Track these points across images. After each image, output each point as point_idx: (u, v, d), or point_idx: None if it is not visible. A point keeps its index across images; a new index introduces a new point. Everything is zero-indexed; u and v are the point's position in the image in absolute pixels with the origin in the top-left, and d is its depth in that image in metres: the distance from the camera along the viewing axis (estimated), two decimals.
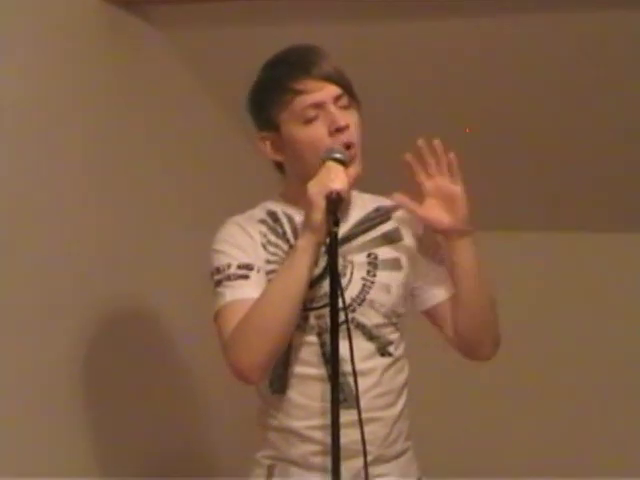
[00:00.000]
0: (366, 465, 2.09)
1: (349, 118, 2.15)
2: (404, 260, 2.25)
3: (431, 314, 2.30)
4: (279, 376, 2.19)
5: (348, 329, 2.06)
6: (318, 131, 2.13)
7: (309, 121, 2.14)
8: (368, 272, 2.20)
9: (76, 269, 2.77)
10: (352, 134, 2.14)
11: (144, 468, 3.00)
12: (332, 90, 2.14)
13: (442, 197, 2.16)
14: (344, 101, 2.16)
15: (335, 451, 2.01)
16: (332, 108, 2.13)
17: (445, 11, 2.85)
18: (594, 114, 3.16)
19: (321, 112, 2.14)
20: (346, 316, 2.05)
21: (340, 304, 2.03)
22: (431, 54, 3.04)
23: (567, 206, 3.53)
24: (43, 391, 2.66)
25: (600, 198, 3.46)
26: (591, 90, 3.08)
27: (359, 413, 2.07)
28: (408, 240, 2.27)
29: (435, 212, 2.17)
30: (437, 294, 2.28)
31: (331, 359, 2.04)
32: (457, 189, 2.16)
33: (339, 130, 2.12)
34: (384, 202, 2.30)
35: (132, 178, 3.02)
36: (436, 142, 2.14)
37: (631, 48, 2.92)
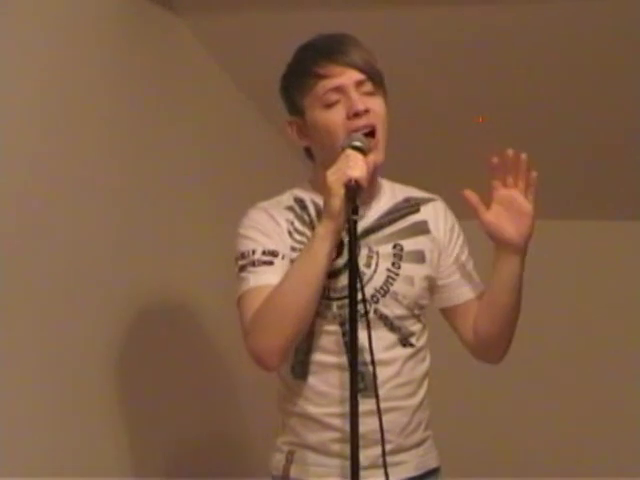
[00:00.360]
0: (384, 453, 2.10)
1: (371, 103, 2.14)
2: (428, 253, 2.24)
3: (452, 312, 2.30)
4: (301, 362, 2.20)
5: (367, 320, 2.06)
6: (337, 115, 2.14)
7: (330, 105, 2.14)
8: (393, 264, 2.20)
9: (104, 258, 2.76)
10: (372, 119, 2.13)
11: (175, 456, 3.03)
12: (354, 75, 2.14)
13: (511, 209, 2.15)
14: (368, 87, 2.15)
15: (354, 439, 2.01)
16: (352, 93, 2.13)
17: None
18: (608, 102, 3.16)
19: (343, 97, 2.14)
20: (365, 307, 2.05)
21: (359, 296, 2.03)
22: (454, 40, 3.04)
23: (580, 195, 3.53)
24: (74, 383, 2.65)
25: (612, 186, 3.46)
26: (604, 79, 3.09)
27: (377, 402, 2.08)
28: (436, 234, 2.26)
29: (500, 220, 2.15)
30: (463, 293, 2.28)
31: (349, 348, 2.04)
32: (529, 207, 2.14)
33: (357, 114, 2.12)
34: (415, 193, 2.31)
35: (157, 164, 3.01)
36: (523, 156, 2.13)
37: None
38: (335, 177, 2.04)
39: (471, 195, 2.16)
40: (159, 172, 3.01)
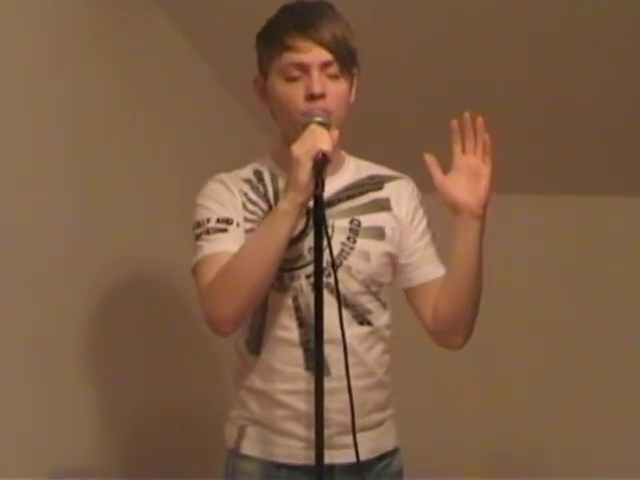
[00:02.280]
0: (354, 430, 2.05)
1: (331, 87, 2.11)
2: (389, 230, 2.21)
3: (415, 293, 2.26)
4: (255, 337, 2.19)
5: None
6: (295, 92, 2.11)
7: (290, 79, 2.11)
8: (348, 238, 2.17)
9: (74, 232, 2.76)
10: (329, 104, 2.09)
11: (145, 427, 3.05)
12: (321, 55, 2.10)
13: (469, 174, 2.13)
14: (333, 69, 2.11)
15: (319, 423, 1.97)
16: (315, 73, 2.09)
17: None
18: (596, 78, 3.14)
19: (304, 75, 2.10)
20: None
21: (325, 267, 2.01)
22: (439, 18, 3.01)
23: (570, 169, 3.50)
24: (52, 358, 2.67)
25: (600, 162, 3.44)
26: (595, 57, 3.07)
27: (348, 382, 2.02)
28: (398, 212, 2.23)
29: (456, 185, 2.14)
30: (423, 274, 2.25)
31: (315, 326, 1.98)
32: (485, 170, 2.12)
33: (313, 97, 2.09)
34: (382, 171, 2.28)
35: (128, 142, 2.99)
36: (479, 120, 2.12)
37: None
38: (303, 150, 2.01)
39: (430, 159, 2.14)
40: (130, 150, 3.00)
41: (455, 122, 2.13)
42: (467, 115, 2.12)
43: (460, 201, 2.13)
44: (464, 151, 2.14)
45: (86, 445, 2.81)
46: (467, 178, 2.14)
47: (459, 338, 2.25)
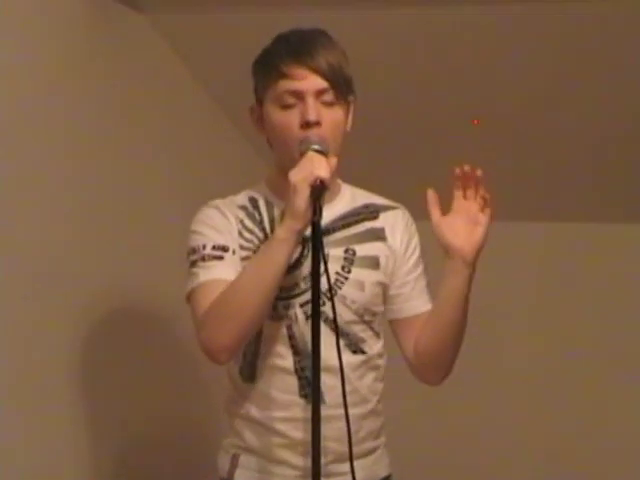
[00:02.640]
0: (352, 458, 2.05)
1: (327, 115, 2.11)
2: (383, 259, 2.21)
3: (400, 325, 2.26)
4: (249, 364, 2.18)
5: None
6: (291, 119, 2.10)
7: (285, 107, 2.11)
8: (343, 267, 2.17)
9: (68, 261, 2.75)
10: (324, 132, 2.09)
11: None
12: (316, 82, 2.10)
13: (467, 220, 2.13)
14: (328, 96, 2.11)
15: (316, 450, 1.95)
16: (310, 100, 2.09)
17: None
18: (595, 104, 3.15)
19: (300, 102, 2.10)
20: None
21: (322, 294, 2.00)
22: (434, 41, 3.02)
23: (566, 197, 3.52)
24: (41, 384, 2.66)
25: (599, 188, 3.45)
26: (592, 78, 3.07)
27: (346, 411, 2.02)
28: (392, 242, 2.23)
29: (453, 228, 2.14)
30: (410, 307, 2.25)
31: (312, 353, 1.97)
32: (483, 219, 2.13)
33: (309, 124, 2.09)
34: (377, 200, 2.28)
35: (120, 162, 2.98)
36: (478, 172, 2.12)
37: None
38: (301, 176, 2.00)
39: (431, 195, 2.15)
40: (123, 171, 3.00)
41: (457, 169, 2.13)
42: (467, 167, 2.12)
43: (455, 245, 2.13)
44: (465, 197, 2.15)
45: (75, 469, 2.79)
46: (465, 223, 2.14)
47: (437, 375, 2.26)
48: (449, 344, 2.20)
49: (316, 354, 1.97)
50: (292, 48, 2.13)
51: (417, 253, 2.26)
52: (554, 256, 3.65)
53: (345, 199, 2.24)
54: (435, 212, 2.15)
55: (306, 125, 2.08)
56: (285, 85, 2.10)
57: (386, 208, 2.26)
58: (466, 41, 2.99)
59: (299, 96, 2.10)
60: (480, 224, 2.13)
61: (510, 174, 3.35)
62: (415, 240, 2.26)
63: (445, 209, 2.17)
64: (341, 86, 2.13)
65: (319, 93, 2.10)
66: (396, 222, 2.25)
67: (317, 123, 2.09)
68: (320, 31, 2.18)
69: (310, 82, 2.10)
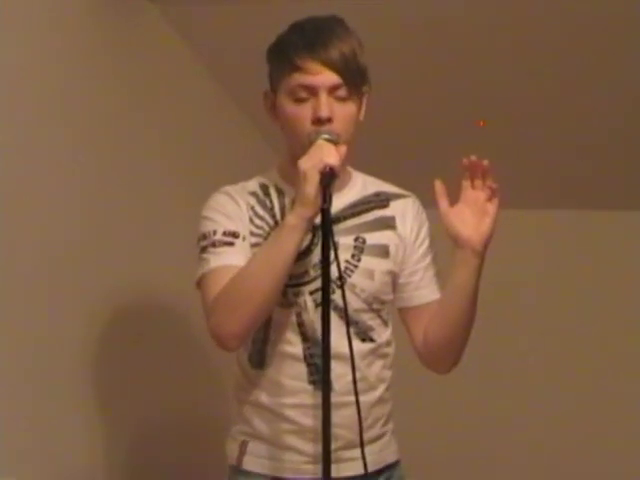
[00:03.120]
0: (362, 444, 2.08)
1: (339, 111, 2.10)
2: (393, 248, 2.22)
3: (407, 314, 2.27)
4: (258, 351, 2.19)
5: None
6: (303, 114, 2.10)
7: (298, 100, 2.11)
8: (353, 256, 2.18)
9: (73, 251, 2.75)
10: (336, 127, 2.09)
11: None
12: (330, 78, 2.09)
13: (475, 209, 2.13)
14: (342, 92, 2.11)
15: (326, 437, 1.99)
16: (323, 97, 2.09)
17: None
18: (602, 92, 3.15)
19: (312, 97, 2.10)
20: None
21: (331, 278, 2.00)
22: (449, 31, 3.02)
23: (574, 184, 3.51)
24: (53, 377, 2.68)
25: (606, 176, 3.44)
26: (595, 70, 3.07)
27: (357, 399, 2.04)
28: (402, 230, 2.23)
29: (461, 218, 2.14)
30: (420, 295, 2.25)
31: (322, 340, 2.00)
32: (491, 209, 2.13)
33: (320, 121, 2.08)
34: (388, 188, 2.28)
35: (131, 155, 2.99)
36: (485, 162, 2.12)
37: None
38: (310, 164, 2.01)
39: (439, 186, 2.15)
40: (135, 164, 3.01)
41: (465, 160, 2.13)
42: (474, 158, 2.12)
43: (463, 235, 2.14)
44: (473, 187, 2.15)
45: (87, 461, 2.82)
46: (473, 213, 2.14)
47: (445, 364, 2.27)
48: (458, 334, 2.20)
49: (326, 342, 1.99)
50: (307, 40, 2.11)
51: (427, 242, 2.26)
52: (560, 244, 3.64)
53: (356, 187, 2.24)
54: (443, 202, 2.15)
55: (318, 121, 2.08)
56: (299, 79, 2.10)
57: (397, 196, 2.26)
58: (481, 32, 2.99)
59: (312, 91, 2.09)
60: (488, 214, 2.13)
61: (517, 162, 3.35)
62: (425, 229, 2.27)
63: (454, 198, 2.17)
64: (355, 80, 2.12)
65: (333, 89, 2.10)
66: (406, 210, 2.25)
67: (329, 120, 2.08)
68: (336, 19, 2.17)
69: (324, 77, 2.09)
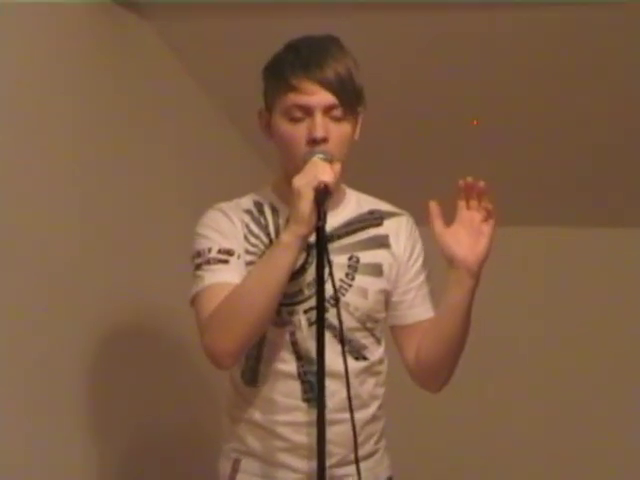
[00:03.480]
0: (357, 460, 2.08)
1: (334, 131, 2.10)
2: (387, 267, 2.22)
3: (400, 332, 2.27)
4: (251, 369, 2.19)
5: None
6: (298, 134, 2.10)
7: (294, 120, 2.11)
8: (347, 275, 2.18)
9: (71, 266, 2.76)
10: (330, 147, 2.09)
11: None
12: (326, 98, 2.09)
13: (470, 230, 2.13)
14: (337, 112, 2.10)
15: (321, 454, 1.98)
16: (318, 117, 2.09)
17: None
18: (598, 109, 3.15)
19: (307, 116, 2.10)
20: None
21: (326, 298, 2.02)
22: (438, 47, 3.03)
23: (568, 201, 3.53)
24: (49, 390, 2.67)
25: (600, 193, 3.46)
26: (592, 85, 3.08)
27: (351, 415, 2.04)
28: (396, 249, 2.23)
29: (456, 238, 2.13)
30: (413, 314, 2.25)
31: (317, 358, 1.99)
32: (487, 229, 2.12)
33: (315, 141, 2.08)
34: (382, 206, 2.28)
35: (126, 170, 2.99)
36: (481, 184, 2.11)
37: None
38: (305, 181, 2.01)
39: (434, 206, 2.14)
40: (129, 178, 3.01)
41: (461, 182, 2.12)
42: (470, 179, 2.11)
43: (459, 256, 2.13)
44: (468, 207, 2.14)
45: (82, 471, 2.81)
46: (468, 233, 2.13)
47: (437, 382, 2.27)
48: (450, 352, 2.20)
49: (320, 361, 1.98)
50: (302, 60, 2.11)
51: (420, 260, 2.27)
52: (557, 261, 3.66)
53: (350, 205, 2.24)
54: (438, 223, 2.14)
55: (313, 142, 2.08)
56: (294, 99, 2.10)
57: (390, 215, 2.26)
58: (472, 48, 3.00)
59: (307, 111, 2.09)
60: (483, 234, 2.12)
61: (513, 179, 3.36)
62: (419, 247, 2.27)
63: (450, 216, 2.16)
64: (351, 100, 2.12)
65: (328, 109, 2.09)
66: (400, 229, 2.25)
67: (324, 140, 2.08)
68: (331, 38, 2.17)
69: (319, 98, 2.09)
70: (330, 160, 2.06)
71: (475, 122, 3.14)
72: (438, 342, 2.20)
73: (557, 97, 3.13)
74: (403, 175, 3.25)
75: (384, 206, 2.28)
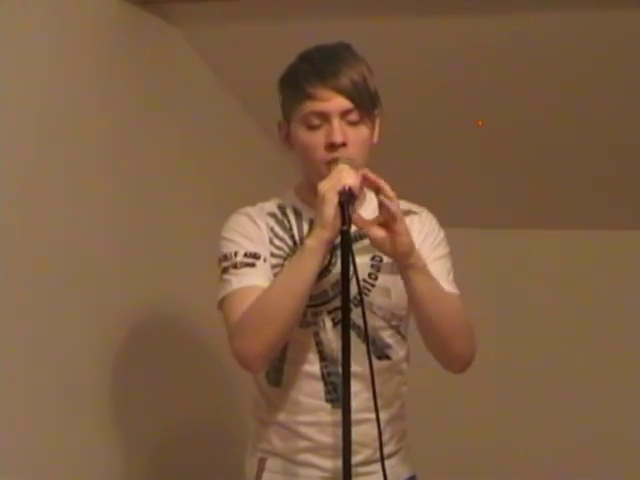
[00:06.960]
0: (382, 459, 2.10)
1: (352, 135, 2.12)
2: None
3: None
4: (275, 369, 2.22)
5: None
6: (317, 140, 2.13)
7: (311, 127, 2.14)
8: (370, 275, 2.21)
9: (95, 267, 2.78)
10: (350, 151, 2.11)
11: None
12: (341, 104, 2.12)
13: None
14: (353, 116, 2.13)
15: (346, 453, 2.00)
16: (335, 122, 2.11)
17: (457, 8, 2.87)
18: (615, 111, 3.16)
19: (325, 123, 2.13)
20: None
21: (351, 299, 2.03)
22: (440, 51, 3.04)
23: (575, 205, 3.53)
24: (75, 390, 2.70)
25: (604, 196, 3.46)
26: (594, 89, 3.09)
27: (377, 415, 2.06)
28: (416, 244, 2.23)
29: (385, 234, 2.08)
30: None
31: (342, 359, 2.01)
32: (400, 226, 2.07)
33: (334, 146, 2.11)
34: (401, 205, 2.23)
35: (153, 173, 3.03)
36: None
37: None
38: (329, 186, 2.03)
39: (358, 217, 2.10)
40: (155, 181, 3.04)
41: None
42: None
43: (386, 251, 2.10)
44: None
45: (107, 471, 2.84)
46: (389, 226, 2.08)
47: (454, 365, 2.24)
48: (441, 335, 2.16)
49: (346, 362, 2.00)
50: (316, 68, 2.14)
51: (433, 242, 2.26)
52: (573, 264, 3.66)
53: (372, 206, 2.24)
54: (368, 227, 2.09)
55: (331, 147, 2.11)
56: (310, 106, 2.13)
57: (407, 213, 2.26)
58: (480, 53, 3.01)
59: (325, 117, 2.12)
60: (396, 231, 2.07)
61: (520, 183, 3.37)
62: (432, 236, 2.26)
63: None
64: (366, 104, 2.15)
65: (344, 113, 2.12)
66: (411, 228, 2.20)
67: (343, 144, 2.11)
68: (344, 46, 2.20)
69: (335, 103, 2.12)
70: (356, 166, 2.08)
71: (480, 122, 3.15)
72: (423, 330, 2.18)
73: (574, 100, 3.13)
74: (419, 178, 3.26)
75: (403, 205, 2.26)
